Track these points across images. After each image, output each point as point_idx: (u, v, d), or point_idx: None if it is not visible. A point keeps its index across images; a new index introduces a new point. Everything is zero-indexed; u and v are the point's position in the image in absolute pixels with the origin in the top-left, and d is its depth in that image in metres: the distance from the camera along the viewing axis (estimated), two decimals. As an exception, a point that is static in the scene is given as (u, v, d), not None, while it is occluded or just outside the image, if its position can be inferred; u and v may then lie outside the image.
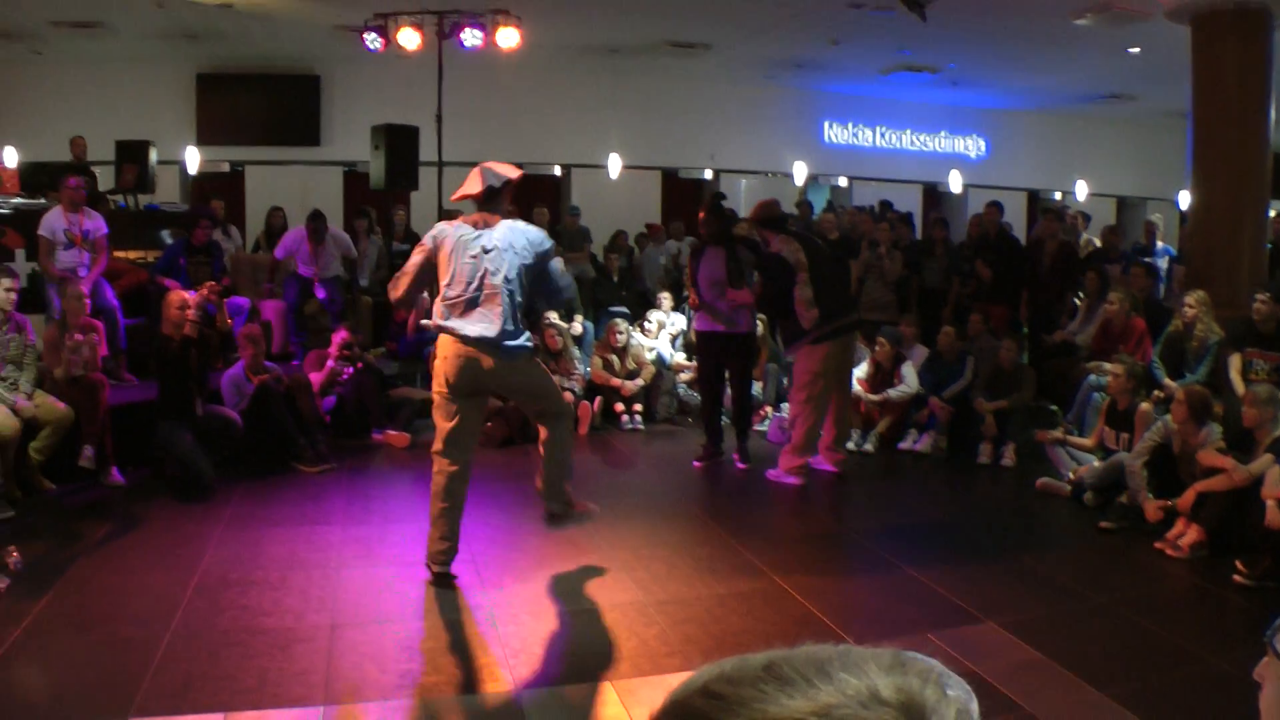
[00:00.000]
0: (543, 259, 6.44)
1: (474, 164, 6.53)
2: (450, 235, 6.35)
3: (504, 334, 6.19)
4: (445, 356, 6.30)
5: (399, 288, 6.56)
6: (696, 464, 9.92)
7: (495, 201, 6.43)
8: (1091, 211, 18.38)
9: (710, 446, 9.98)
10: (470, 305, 6.23)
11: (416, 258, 6.46)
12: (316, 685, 4.97)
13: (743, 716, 0.85)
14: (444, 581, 6.41)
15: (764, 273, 9.22)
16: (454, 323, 6.24)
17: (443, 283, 6.34)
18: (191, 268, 11.36)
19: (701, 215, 10.05)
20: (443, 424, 6.42)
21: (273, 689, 4.91)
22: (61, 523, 7.79)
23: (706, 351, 10.00)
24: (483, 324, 6.19)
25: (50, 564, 6.72)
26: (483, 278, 6.22)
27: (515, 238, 6.32)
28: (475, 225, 6.35)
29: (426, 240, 6.48)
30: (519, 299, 6.29)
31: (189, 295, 9.05)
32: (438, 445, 6.43)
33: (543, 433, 6.68)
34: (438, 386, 6.40)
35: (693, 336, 11.70)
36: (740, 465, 9.80)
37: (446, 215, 13.32)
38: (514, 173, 6.50)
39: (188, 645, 5.42)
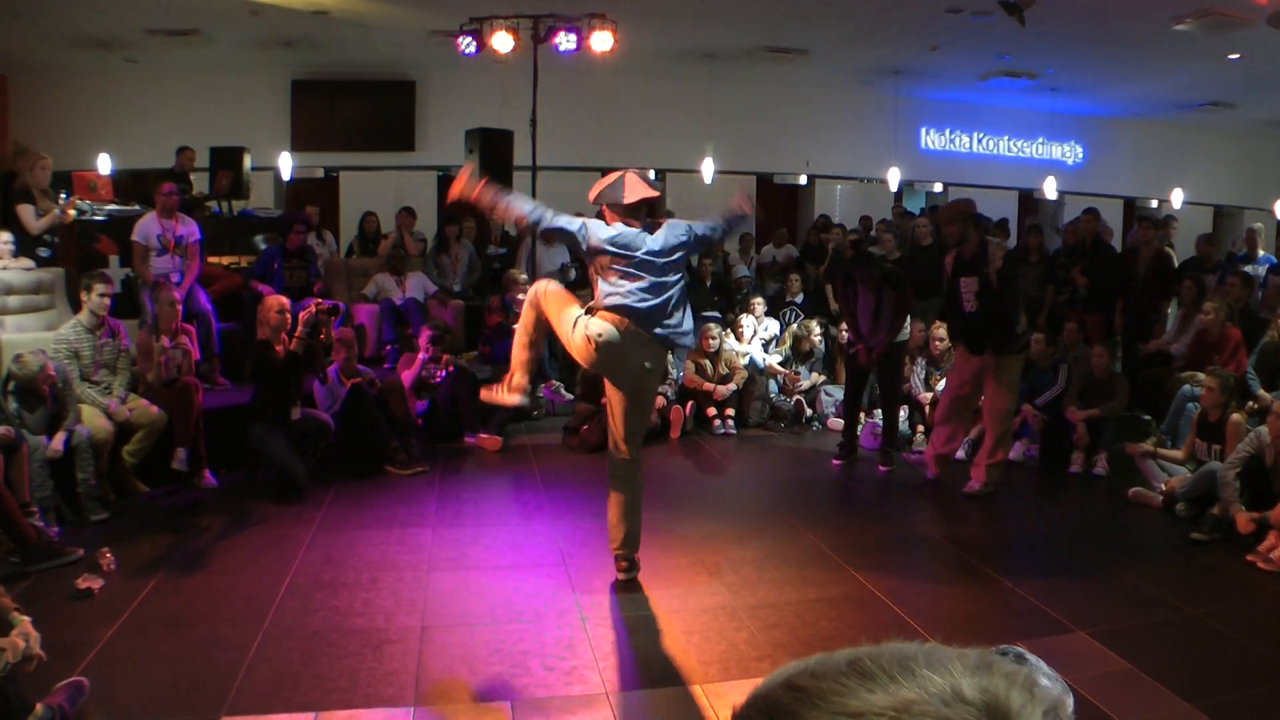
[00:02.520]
0: None
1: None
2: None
3: None
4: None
5: None
6: (835, 463, 10.24)
7: None
8: (1179, 218, 18.17)
9: (847, 447, 10.31)
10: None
11: None
12: (407, 686, 5.00)
13: (823, 710, 0.84)
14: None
15: (995, 274, 8.93)
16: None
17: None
18: (286, 273, 11.50)
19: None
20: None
21: (363, 689, 4.95)
22: (155, 525, 7.90)
23: (858, 364, 10.17)
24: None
25: (144, 565, 6.84)
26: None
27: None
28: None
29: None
30: None
31: (287, 301, 9.15)
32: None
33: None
34: None
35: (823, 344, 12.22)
36: (882, 469, 10.05)
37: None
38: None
39: (279, 645, 5.49)
